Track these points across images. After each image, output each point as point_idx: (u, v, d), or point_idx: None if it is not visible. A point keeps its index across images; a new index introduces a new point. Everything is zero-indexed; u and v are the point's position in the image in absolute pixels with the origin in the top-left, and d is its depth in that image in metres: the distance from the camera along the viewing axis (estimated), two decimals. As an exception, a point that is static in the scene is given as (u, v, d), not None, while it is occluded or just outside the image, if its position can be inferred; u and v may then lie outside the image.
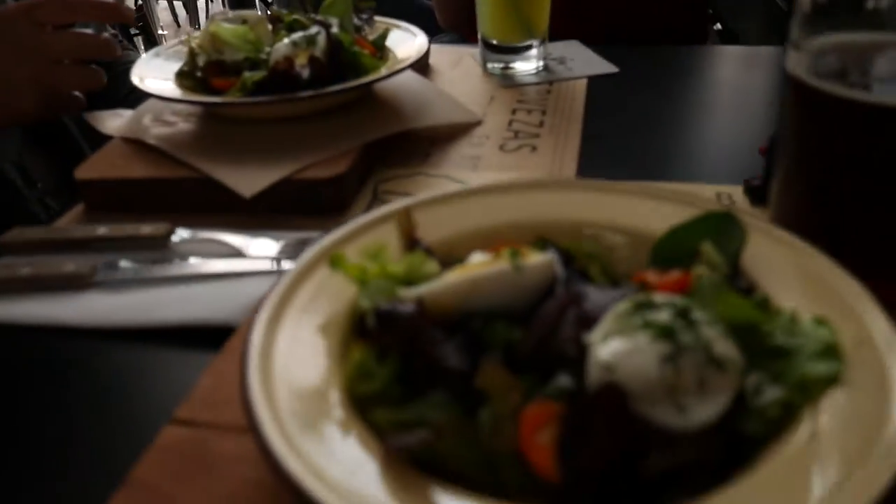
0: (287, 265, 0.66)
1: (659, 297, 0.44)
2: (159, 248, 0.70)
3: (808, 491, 0.35)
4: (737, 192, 0.77)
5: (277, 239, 0.70)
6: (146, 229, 0.70)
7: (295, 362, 0.44)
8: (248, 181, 0.75)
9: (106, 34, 0.79)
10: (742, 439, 0.40)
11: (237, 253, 0.69)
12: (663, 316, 0.42)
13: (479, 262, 0.48)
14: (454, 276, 0.47)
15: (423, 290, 0.46)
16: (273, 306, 0.47)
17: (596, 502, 0.36)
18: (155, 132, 0.85)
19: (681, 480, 0.36)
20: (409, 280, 0.50)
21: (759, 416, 0.40)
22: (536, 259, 0.48)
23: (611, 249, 0.56)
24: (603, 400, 0.35)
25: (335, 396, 0.42)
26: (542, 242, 0.56)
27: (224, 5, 5.24)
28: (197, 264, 0.67)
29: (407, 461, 0.38)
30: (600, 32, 1.27)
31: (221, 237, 0.70)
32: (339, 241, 0.53)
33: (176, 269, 0.66)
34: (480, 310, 0.46)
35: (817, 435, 0.38)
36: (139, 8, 4.28)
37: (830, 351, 0.42)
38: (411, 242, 0.54)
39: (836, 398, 0.39)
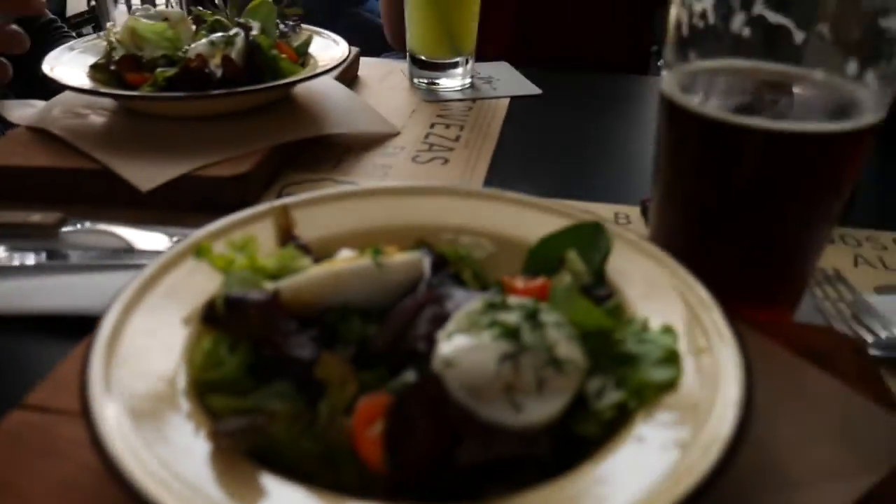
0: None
1: (513, 300, 0.45)
2: (49, 237, 0.69)
3: (626, 486, 0.36)
4: (634, 212, 0.78)
5: (171, 235, 0.70)
6: (36, 217, 0.69)
7: (145, 349, 0.43)
8: (147, 175, 0.74)
9: (13, 26, 0.77)
10: (578, 439, 0.40)
11: (128, 246, 0.68)
12: (512, 317, 0.43)
13: (343, 258, 0.49)
14: (316, 270, 0.47)
15: (283, 282, 0.46)
16: (131, 293, 0.46)
17: (422, 495, 0.36)
18: (62, 123, 0.84)
19: (505, 475, 0.36)
20: (279, 275, 0.50)
21: (595, 417, 0.41)
22: (401, 257, 0.48)
23: (487, 256, 0.56)
24: (422, 391, 0.35)
25: (180, 383, 0.42)
26: (419, 246, 0.57)
27: (181, 5, 5.20)
28: (79, 255, 0.66)
29: (240, 450, 0.37)
30: (544, 57, 1.31)
31: (113, 230, 0.69)
32: (212, 234, 0.53)
33: (58, 259, 0.65)
34: (342, 305, 0.46)
35: (643, 437, 0.38)
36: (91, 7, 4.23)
37: (671, 358, 0.43)
38: (287, 239, 0.54)
39: (669, 402, 0.40)
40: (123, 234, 0.69)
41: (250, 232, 0.53)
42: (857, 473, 0.42)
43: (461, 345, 0.40)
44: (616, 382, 0.43)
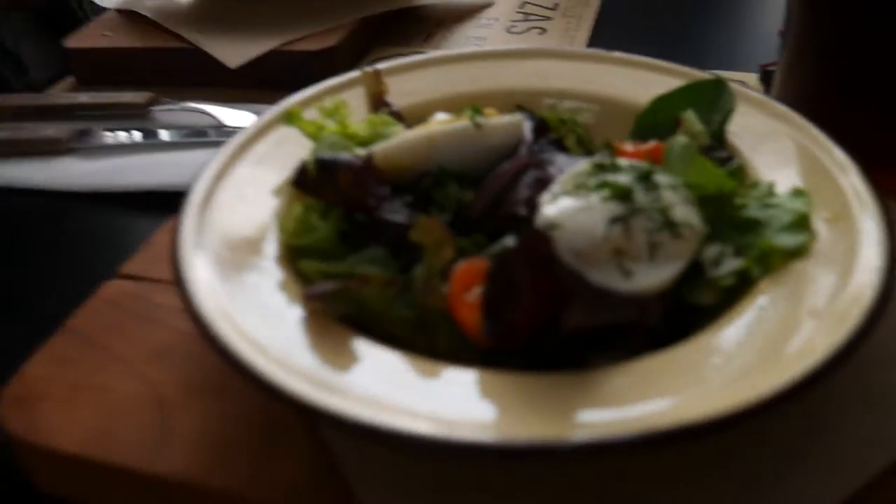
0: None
1: (623, 161, 0.41)
2: (139, 117, 0.68)
3: (742, 357, 0.32)
4: (752, 80, 0.71)
5: (259, 112, 0.68)
6: (127, 97, 0.68)
7: (236, 216, 0.42)
8: (236, 52, 0.72)
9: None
10: (693, 309, 0.37)
11: (217, 123, 0.67)
12: (623, 178, 0.39)
13: (439, 121, 0.45)
14: (411, 133, 0.44)
15: (377, 146, 0.44)
16: (221, 162, 0.45)
17: (523, 363, 0.34)
18: (150, 4, 0.82)
19: (613, 345, 0.34)
20: (371, 140, 0.47)
21: (712, 286, 0.37)
22: (500, 119, 0.45)
23: (594, 121, 0.52)
24: (527, 250, 0.32)
25: (272, 249, 0.40)
26: (518, 110, 0.53)
27: None
28: (170, 133, 0.65)
29: (332, 314, 0.36)
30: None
31: (202, 107, 0.68)
32: (302, 102, 0.50)
33: (150, 137, 0.64)
34: (438, 169, 0.43)
35: (766, 306, 0.35)
36: None
37: (801, 223, 0.38)
38: (380, 105, 0.51)
39: (799, 270, 0.36)
40: (213, 111, 0.68)
41: (341, 98, 0.50)
42: None
43: (567, 206, 0.37)
44: (737, 250, 0.39)
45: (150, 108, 0.68)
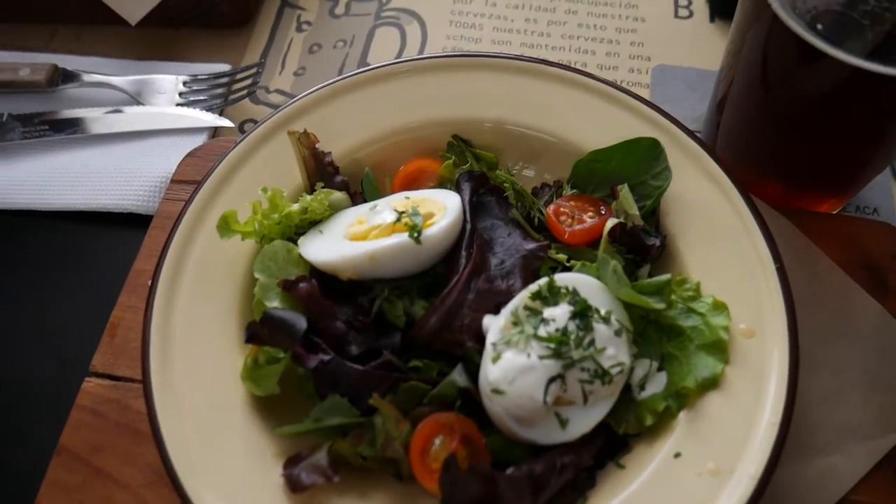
0: (187, 112, 0.61)
1: (561, 279, 0.43)
2: (42, 94, 0.63)
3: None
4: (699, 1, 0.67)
5: (175, 73, 0.63)
6: (26, 72, 0.62)
7: (195, 355, 0.44)
8: (134, 4, 0.63)
9: None
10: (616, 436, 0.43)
11: (130, 100, 0.62)
12: (559, 314, 0.41)
13: (379, 231, 0.45)
14: (352, 249, 0.44)
15: (321, 259, 0.44)
16: (163, 286, 0.46)
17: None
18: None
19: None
20: (308, 219, 0.48)
21: (637, 417, 0.42)
22: (438, 225, 0.45)
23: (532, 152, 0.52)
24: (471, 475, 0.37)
25: (238, 399, 0.44)
26: (455, 142, 0.52)
27: None
28: (88, 120, 0.61)
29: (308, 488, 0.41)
30: None
31: (111, 81, 0.62)
32: (222, 178, 0.49)
33: (67, 128, 0.60)
34: (388, 289, 0.45)
35: (681, 454, 0.41)
36: None
37: (718, 346, 0.42)
38: (313, 160, 0.50)
39: (708, 414, 0.42)
40: (123, 85, 0.62)
41: (275, 188, 0.48)
42: (881, 432, 0.45)
43: (509, 369, 0.40)
44: (661, 361, 0.44)
45: (55, 86, 0.62)
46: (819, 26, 0.41)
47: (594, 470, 0.42)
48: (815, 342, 0.47)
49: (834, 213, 0.55)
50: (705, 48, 0.66)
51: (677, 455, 0.41)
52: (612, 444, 0.43)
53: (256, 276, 0.45)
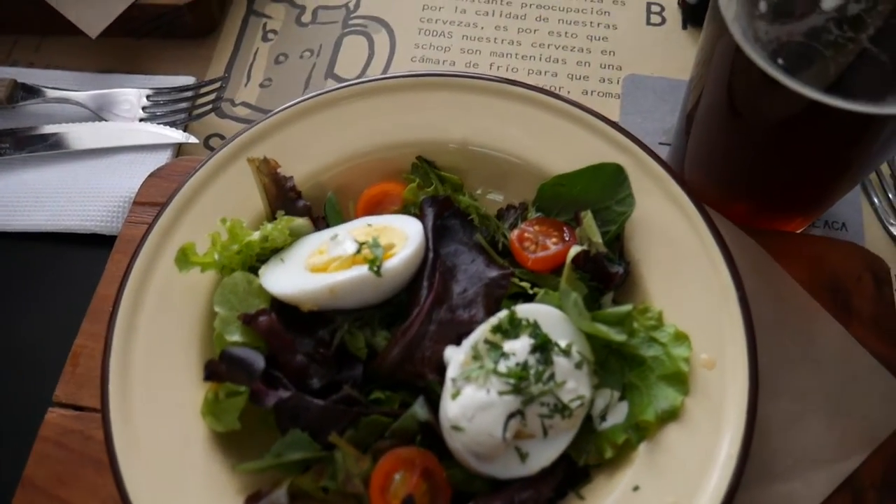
0: (151, 128, 0.60)
1: (522, 310, 0.43)
2: (2, 110, 0.62)
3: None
4: (670, 5, 0.66)
5: (138, 86, 0.62)
6: (-17, 90, 0.61)
7: (156, 388, 0.44)
8: (95, 16, 0.62)
9: None
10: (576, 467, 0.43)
11: (93, 116, 0.61)
12: (519, 348, 0.41)
13: (339, 259, 0.45)
14: (313, 281, 0.44)
15: (282, 291, 0.44)
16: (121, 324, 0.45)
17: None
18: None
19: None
20: (269, 247, 0.47)
21: (598, 449, 0.42)
22: (399, 257, 0.44)
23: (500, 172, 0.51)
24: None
25: (198, 436, 0.43)
26: (420, 164, 0.52)
27: None
28: (50, 137, 0.60)
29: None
30: None
31: (70, 96, 0.61)
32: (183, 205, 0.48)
33: (29, 145, 0.59)
34: (349, 321, 0.45)
35: (640, 487, 0.41)
36: None
37: (678, 378, 0.43)
38: (275, 186, 0.49)
39: (667, 448, 0.42)
40: (84, 101, 0.61)
41: (234, 218, 0.47)
42: (841, 457, 0.45)
43: (468, 405, 0.40)
44: (623, 390, 0.44)
45: (14, 102, 0.61)
46: (780, 59, 0.40)
47: (554, 501, 0.42)
48: (778, 366, 0.48)
49: (801, 231, 0.55)
50: (678, 56, 0.65)
51: (636, 489, 0.41)
52: (572, 474, 0.43)
53: (217, 309, 0.45)
